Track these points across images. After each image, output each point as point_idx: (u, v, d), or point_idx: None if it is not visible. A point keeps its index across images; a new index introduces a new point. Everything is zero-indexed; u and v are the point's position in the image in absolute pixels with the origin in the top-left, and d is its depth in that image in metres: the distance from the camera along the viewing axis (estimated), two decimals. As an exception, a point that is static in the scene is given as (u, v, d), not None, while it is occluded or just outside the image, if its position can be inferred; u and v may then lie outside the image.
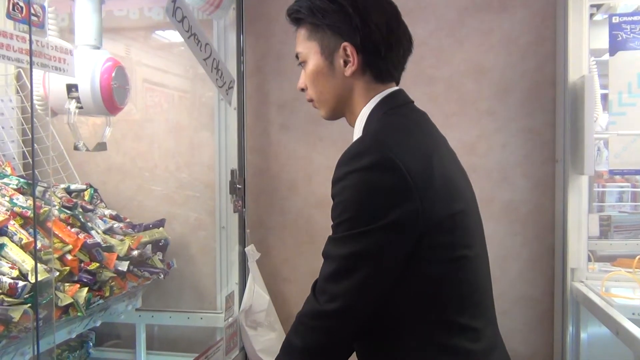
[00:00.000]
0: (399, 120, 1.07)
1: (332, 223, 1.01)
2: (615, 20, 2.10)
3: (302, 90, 1.17)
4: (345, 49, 1.07)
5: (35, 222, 1.55)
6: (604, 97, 2.24)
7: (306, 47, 1.12)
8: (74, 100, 1.59)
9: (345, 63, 1.08)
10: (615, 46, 2.10)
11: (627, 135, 2.11)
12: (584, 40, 2.08)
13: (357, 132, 1.11)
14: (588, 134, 1.97)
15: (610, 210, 2.61)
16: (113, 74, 1.65)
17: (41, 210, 1.59)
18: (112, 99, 1.65)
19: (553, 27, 2.23)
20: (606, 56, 2.14)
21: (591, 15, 2.16)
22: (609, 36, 2.10)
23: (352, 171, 0.96)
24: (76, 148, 1.65)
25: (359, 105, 1.11)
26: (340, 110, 1.15)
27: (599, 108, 2.24)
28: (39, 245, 1.48)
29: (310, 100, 1.16)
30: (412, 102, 1.13)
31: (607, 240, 2.48)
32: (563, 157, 2.14)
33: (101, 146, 1.77)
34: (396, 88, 1.12)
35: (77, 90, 1.60)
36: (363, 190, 0.95)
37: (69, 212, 1.74)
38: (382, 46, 1.07)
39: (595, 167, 2.05)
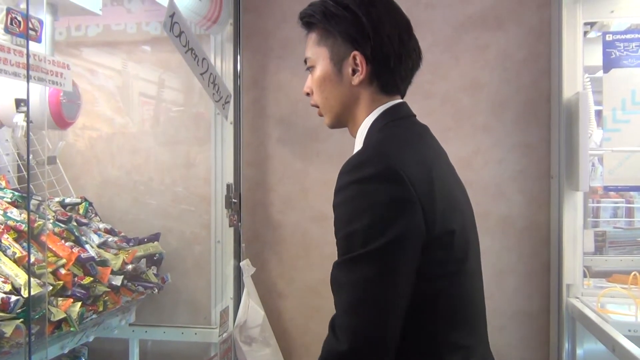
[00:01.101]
0: (401, 132, 1.07)
1: (334, 234, 0.97)
2: (608, 38, 2.12)
3: (308, 94, 1.16)
4: (354, 58, 1.06)
5: (29, 236, 1.54)
6: (598, 114, 2.26)
7: (316, 52, 1.11)
8: (22, 114, 1.59)
9: (354, 72, 1.07)
10: (609, 63, 2.12)
11: (622, 151, 2.12)
12: (578, 57, 2.10)
13: (358, 143, 1.09)
14: (583, 150, 1.99)
15: (605, 226, 2.61)
16: (62, 90, 1.64)
17: (35, 224, 1.58)
18: (60, 114, 1.66)
19: (548, 44, 2.25)
20: (600, 73, 2.17)
21: (585, 33, 2.18)
22: (602, 54, 2.13)
23: (355, 181, 0.94)
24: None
25: (362, 115, 1.10)
26: (344, 118, 1.13)
27: (594, 124, 2.26)
28: (32, 259, 1.47)
29: (315, 106, 1.15)
30: (414, 115, 1.13)
31: (602, 256, 2.48)
32: (558, 173, 2.15)
33: (51, 160, 1.78)
34: (399, 100, 1.12)
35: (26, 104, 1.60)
36: (368, 201, 0.93)
37: (63, 225, 1.73)
38: (392, 58, 1.06)
39: (590, 182, 2.06)
